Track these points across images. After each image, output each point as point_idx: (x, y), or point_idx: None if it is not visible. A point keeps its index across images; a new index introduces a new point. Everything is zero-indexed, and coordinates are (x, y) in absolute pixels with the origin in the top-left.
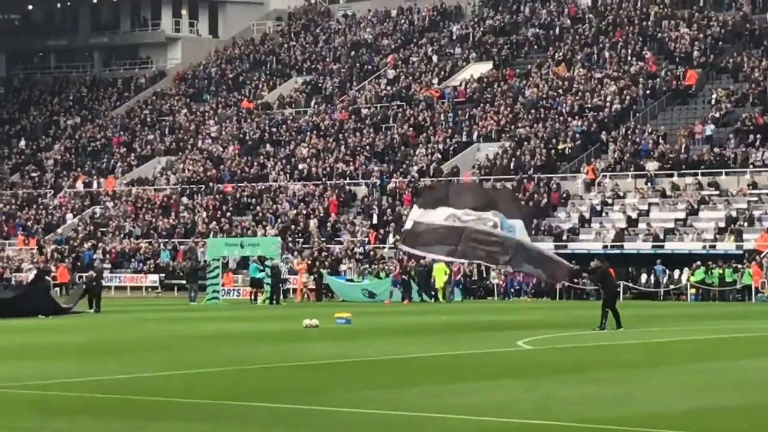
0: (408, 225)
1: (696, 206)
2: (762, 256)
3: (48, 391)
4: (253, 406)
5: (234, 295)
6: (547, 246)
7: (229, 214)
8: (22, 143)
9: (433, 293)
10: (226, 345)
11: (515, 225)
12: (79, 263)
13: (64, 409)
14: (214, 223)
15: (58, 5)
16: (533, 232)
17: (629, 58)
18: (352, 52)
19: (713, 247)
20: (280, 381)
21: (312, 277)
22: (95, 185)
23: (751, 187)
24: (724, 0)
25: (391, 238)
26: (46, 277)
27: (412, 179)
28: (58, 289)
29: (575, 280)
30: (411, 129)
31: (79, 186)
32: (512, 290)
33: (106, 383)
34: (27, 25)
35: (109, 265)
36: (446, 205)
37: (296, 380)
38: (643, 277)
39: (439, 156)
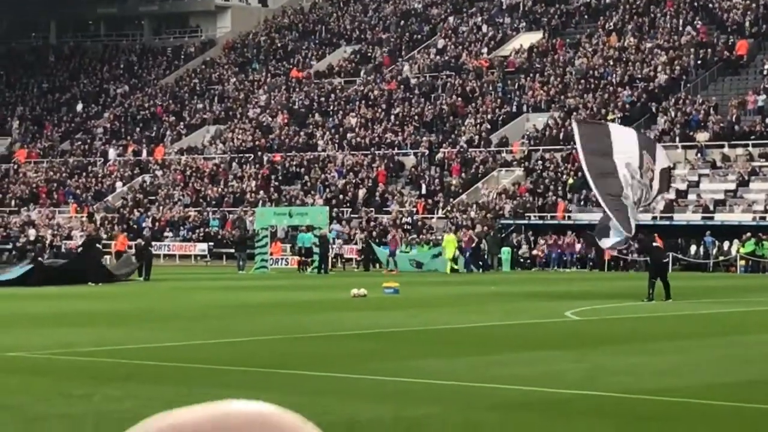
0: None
1: (746, 177)
2: None
3: (98, 358)
4: (300, 375)
5: (282, 264)
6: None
7: (277, 183)
8: (79, 106)
9: (481, 263)
10: (274, 314)
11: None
12: (131, 232)
13: (114, 376)
14: (263, 192)
15: None
16: (584, 203)
17: (680, 28)
18: (402, 21)
19: (763, 218)
20: (328, 350)
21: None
22: (144, 154)
23: None
24: None
25: (439, 210)
26: (97, 245)
27: (461, 149)
28: (108, 257)
29: (622, 252)
30: (460, 99)
31: (129, 154)
32: (554, 260)
33: (155, 350)
34: None
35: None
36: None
37: (344, 349)
38: (693, 249)
39: (488, 126)
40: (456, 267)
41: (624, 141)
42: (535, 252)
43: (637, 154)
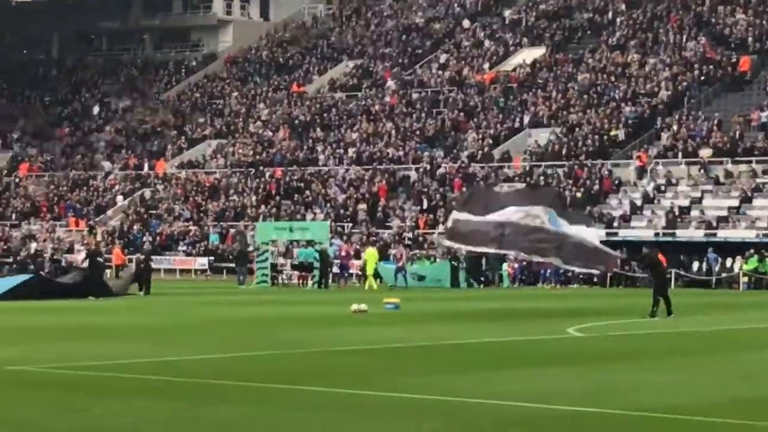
0: (449, 223)
1: (750, 194)
2: None
3: (99, 372)
4: (300, 390)
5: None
6: (598, 233)
7: (278, 197)
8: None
9: (482, 279)
10: (275, 328)
11: (563, 222)
12: (131, 246)
13: (114, 390)
14: (264, 206)
15: None
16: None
17: (683, 44)
18: (403, 36)
19: (767, 235)
20: (328, 365)
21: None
22: (146, 168)
23: None
24: None
25: (440, 225)
26: (98, 259)
27: (463, 164)
28: (109, 270)
29: (626, 268)
30: (462, 114)
31: (130, 167)
32: (522, 278)
33: (155, 365)
34: (80, 7)
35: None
36: (487, 212)
37: (344, 365)
38: (695, 265)
39: (490, 141)
40: (374, 285)
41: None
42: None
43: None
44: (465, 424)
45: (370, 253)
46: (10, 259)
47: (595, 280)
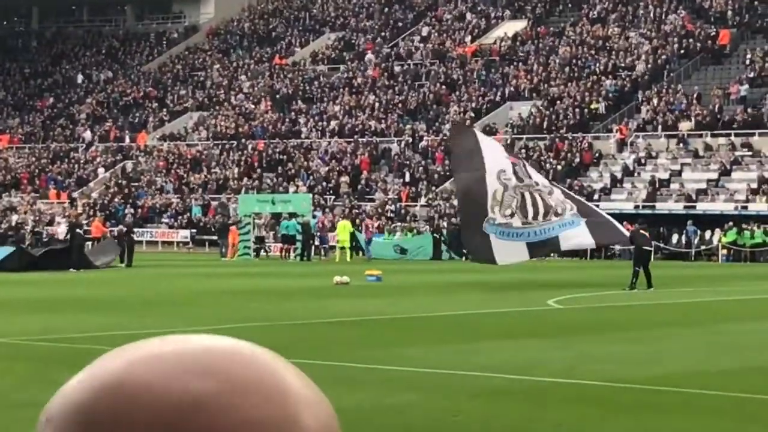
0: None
1: (729, 167)
2: None
3: (79, 344)
4: None
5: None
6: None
7: (260, 170)
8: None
9: (464, 252)
10: (256, 301)
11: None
12: (113, 219)
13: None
14: (246, 179)
15: None
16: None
17: (663, 18)
18: (385, 9)
19: (745, 208)
20: (309, 337)
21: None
22: (127, 140)
23: None
24: None
25: (422, 197)
26: (78, 231)
27: (445, 137)
28: (89, 243)
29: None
30: (444, 87)
31: (111, 141)
32: None
33: (136, 337)
34: None
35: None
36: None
37: (325, 337)
38: (675, 238)
39: (472, 114)
40: (347, 257)
41: (492, 150)
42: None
43: (509, 163)
44: (443, 395)
45: (343, 225)
46: None
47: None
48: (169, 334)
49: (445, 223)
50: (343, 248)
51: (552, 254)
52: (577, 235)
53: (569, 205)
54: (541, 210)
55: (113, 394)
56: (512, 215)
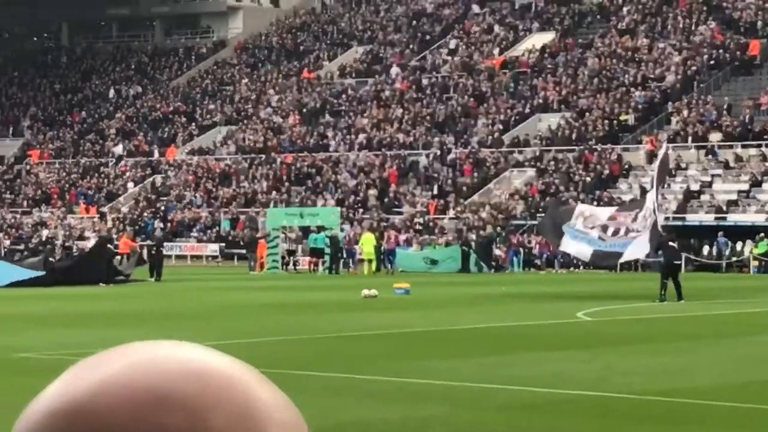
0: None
1: (759, 178)
2: None
3: None
4: (308, 375)
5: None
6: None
7: (288, 183)
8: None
9: (493, 264)
10: (284, 314)
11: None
12: (143, 233)
13: None
14: (274, 192)
15: None
16: (596, 203)
17: (693, 28)
18: (413, 22)
19: None
20: (337, 350)
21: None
22: (156, 154)
23: None
24: None
25: (450, 210)
26: (108, 246)
27: (473, 150)
28: (119, 258)
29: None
30: (472, 99)
31: (141, 155)
32: (514, 260)
33: None
34: None
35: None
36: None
37: (352, 350)
38: (705, 249)
39: (500, 127)
40: (372, 269)
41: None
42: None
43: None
44: (471, 408)
45: (367, 238)
46: (22, 246)
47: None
48: (145, 341)
49: (473, 236)
50: (369, 261)
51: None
52: (637, 250)
53: (647, 221)
54: (621, 232)
55: (73, 419)
56: (592, 228)
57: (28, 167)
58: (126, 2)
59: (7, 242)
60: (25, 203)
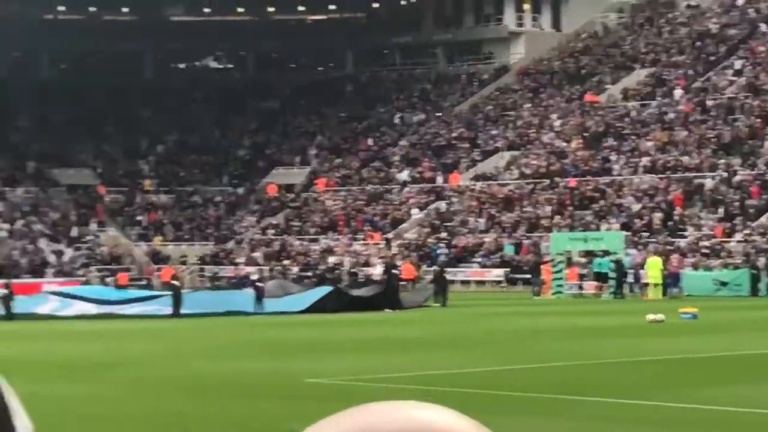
0: None
1: None
2: None
3: (396, 384)
4: (589, 401)
5: (576, 289)
6: None
7: (572, 208)
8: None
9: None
10: (568, 339)
11: None
12: (428, 259)
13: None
14: (558, 217)
15: (403, 2)
16: None
17: None
18: (697, 43)
19: None
20: (620, 376)
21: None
22: (440, 180)
23: None
24: None
25: (738, 233)
26: (394, 272)
27: (760, 172)
28: (403, 284)
29: None
30: (759, 120)
31: (425, 181)
32: None
33: (455, 376)
34: (373, 23)
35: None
36: None
37: (638, 376)
38: None
39: None
40: (658, 294)
41: None
42: None
43: None
44: None
45: (653, 261)
46: (310, 273)
47: None
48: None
49: (763, 259)
50: (655, 284)
51: None
52: None
53: None
54: None
55: None
56: None
57: (315, 195)
58: (409, 30)
59: (296, 269)
60: (312, 230)
